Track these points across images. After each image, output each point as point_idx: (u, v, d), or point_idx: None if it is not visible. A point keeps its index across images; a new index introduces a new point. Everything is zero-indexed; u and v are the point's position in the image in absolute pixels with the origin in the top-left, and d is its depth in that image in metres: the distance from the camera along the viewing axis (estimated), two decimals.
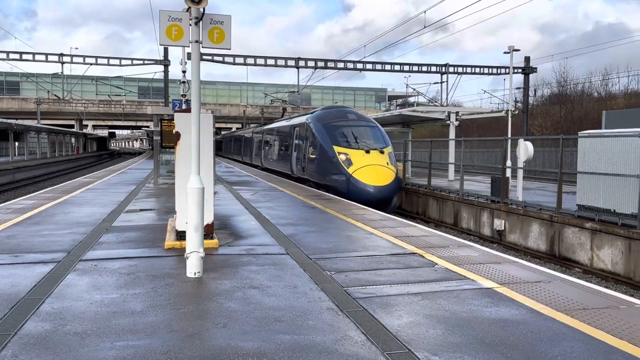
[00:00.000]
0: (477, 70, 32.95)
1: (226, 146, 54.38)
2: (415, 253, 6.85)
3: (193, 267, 5.57)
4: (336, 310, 4.53)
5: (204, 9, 5.43)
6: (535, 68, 33.34)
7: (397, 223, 9.58)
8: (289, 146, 21.47)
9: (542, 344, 3.80)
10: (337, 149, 16.31)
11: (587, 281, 6.19)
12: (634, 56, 68.90)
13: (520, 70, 32.54)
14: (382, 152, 16.37)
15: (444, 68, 32.35)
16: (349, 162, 15.79)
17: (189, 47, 5.53)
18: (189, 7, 5.46)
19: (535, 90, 47.06)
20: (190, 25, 5.52)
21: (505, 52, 18.82)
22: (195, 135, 5.56)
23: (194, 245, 5.57)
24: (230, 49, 5.76)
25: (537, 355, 3.60)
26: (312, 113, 20.04)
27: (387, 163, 16.09)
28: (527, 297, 4.94)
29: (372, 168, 15.59)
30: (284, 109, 43.88)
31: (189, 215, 5.62)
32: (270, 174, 23.26)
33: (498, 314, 4.46)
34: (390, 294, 5.02)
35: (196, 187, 5.56)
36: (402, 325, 4.18)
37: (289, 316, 4.37)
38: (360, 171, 15.50)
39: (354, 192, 15.01)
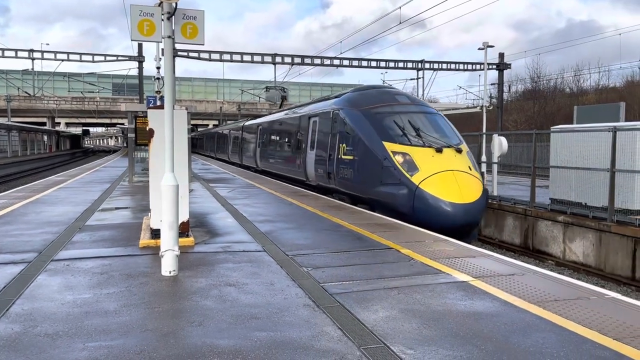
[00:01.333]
0: (453, 66, 33.30)
1: (208, 143, 48.29)
2: (392, 248, 6.89)
3: (168, 265, 5.50)
4: (313, 307, 4.52)
5: (176, 3, 5.35)
6: (510, 64, 33.86)
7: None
8: (301, 143, 16.23)
9: (515, 335, 3.86)
10: (390, 146, 10.95)
11: (559, 273, 6.31)
12: (604, 53, 70.51)
13: (494, 67, 32.99)
14: (459, 152, 11.10)
15: (420, 64, 32.61)
16: (411, 166, 10.51)
17: (161, 42, 5.45)
18: (161, 2, 5.38)
19: (509, 86, 47.83)
20: (163, 20, 5.44)
21: (479, 49, 19.05)
22: (168, 132, 5.49)
23: (168, 244, 5.50)
24: (203, 45, 5.70)
25: (510, 347, 3.65)
26: (337, 97, 14.60)
27: (470, 168, 10.86)
28: (501, 290, 5.02)
29: (449, 175, 10.35)
30: (283, 98, 35.69)
31: (163, 213, 5.55)
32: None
33: (472, 307, 4.52)
34: (366, 288, 5.04)
35: (170, 184, 5.50)
36: (378, 319, 4.20)
37: (266, 313, 4.35)
38: (433, 180, 10.25)
39: (422, 213, 10.02)
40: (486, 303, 4.63)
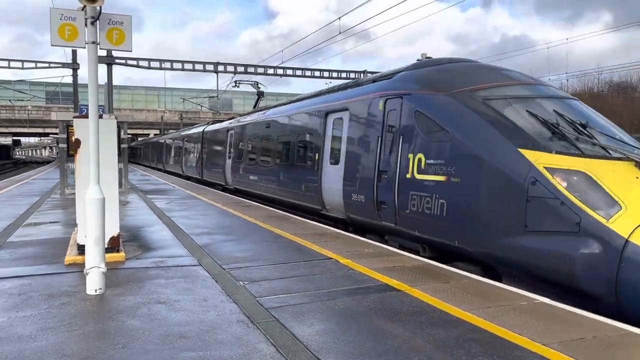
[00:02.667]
0: None
1: (154, 153, 42.66)
2: (331, 258, 6.82)
3: (93, 283, 5.18)
4: (247, 323, 4.36)
5: (100, 7, 5.08)
6: None
7: None
8: (309, 152, 11.58)
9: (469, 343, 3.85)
10: (539, 157, 6.08)
11: None
12: (535, 65, 74.22)
13: None
14: None
15: (362, 75, 33.04)
16: (599, 198, 5.52)
17: (84, 48, 5.16)
18: (84, 6, 5.10)
19: None
20: (86, 25, 5.16)
21: (418, 59, 19.48)
22: (93, 142, 5.19)
23: (94, 260, 5.19)
24: (131, 51, 5.45)
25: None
26: (386, 77, 9.51)
27: None
28: (435, 298, 5.03)
29: None
30: (259, 95, 26.60)
31: (88, 227, 5.23)
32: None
33: (414, 318, 4.48)
34: (303, 301, 4.93)
35: (95, 197, 5.19)
36: (313, 334, 4.09)
37: (196, 331, 4.15)
38: None
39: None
40: (427, 311, 4.61)
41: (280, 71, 31.96)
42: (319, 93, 13.03)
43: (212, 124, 24.38)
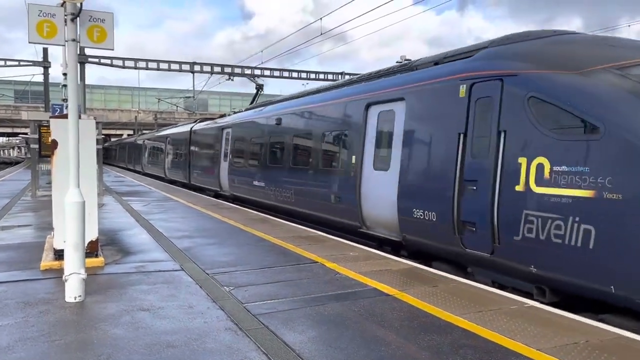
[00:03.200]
0: None
1: (131, 154, 39.53)
2: (317, 262, 6.73)
3: (73, 290, 4.98)
4: (235, 330, 4.24)
5: (81, 4, 4.90)
6: None
7: None
8: (336, 153, 9.80)
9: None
10: None
11: None
12: None
13: None
14: None
15: (340, 76, 33.08)
16: None
17: (64, 45, 4.97)
18: (64, 2, 4.90)
19: None
20: (66, 22, 4.96)
21: (397, 62, 19.58)
22: (73, 143, 5.00)
23: (74, 266, 4.99)
24: (113, 49, 5.27)
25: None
26: (465, 55, 7.32)
27: None
28: (423, 301, 4.99)
29: None
30: (259, 88, 23.74)
31: (68, 232, 5.03)
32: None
33: (404, 323, 4.43)
34: (292, 307, 4.82)
35: (75, 201, 4.99)
36: (305, 341, 4.00)
37: (184, 340, 4.01)
38: None
39: None
40: (418, 316, 4.56)
41: (257, 72, 31.79)
42: (345, 83, 10.88)
43: (200, 121, 21.89)
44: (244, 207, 13.34)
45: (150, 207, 12.89)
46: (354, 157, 8.93)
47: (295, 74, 32.18)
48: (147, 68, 29.41)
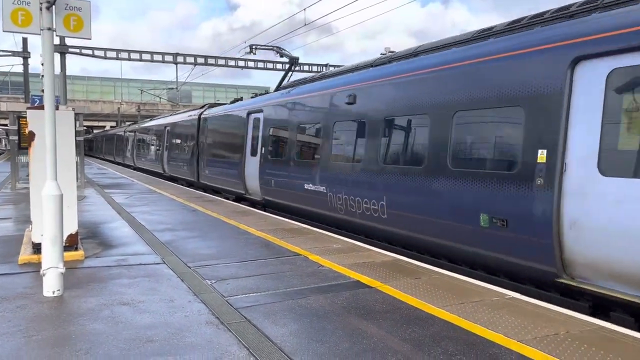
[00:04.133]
0: None
1: (120, 145, 36.10)
2: (300, 254, 6.70)
3: (51, 284, 4.89)
4: (216, 324, 4.20)
5: None
6: None
7: None
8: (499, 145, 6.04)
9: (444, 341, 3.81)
10: None
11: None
12: None
13: None
14: None
15: (325, 68, 32.97)
16: None
17: (39, 34, 4.84)
18: None
19: None
20: (41, 10, 4.84)
21: (382, 54, 19.54)
22: (50, 135, 4.89)
23: (51, 260, 4.90)
24: (90, 39, 5.15)
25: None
26: None
27: None
28: (404, 293, 4.99)
29: None
30: (293, 62, 17.23)
31: (45, 226, 4.93)
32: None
33: (387, 316, 4.43)
34: (275, 300, 4.80)
35: (52, 194, 4.89)
36: (286, 334, 3.97)
37: (164, 335, 3.96)
38: None
39: None
40: (401, 308, 4.56)
41: (241, 63, 31.55)
42: (472, 37, 7.21)
43: (211, 107, 17.90)
44: (247, 207, 13.20)
45: (132, 200, 12.75)
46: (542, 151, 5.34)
47: (279, 66, 31.99)
48: (129, 59, 29.00)
